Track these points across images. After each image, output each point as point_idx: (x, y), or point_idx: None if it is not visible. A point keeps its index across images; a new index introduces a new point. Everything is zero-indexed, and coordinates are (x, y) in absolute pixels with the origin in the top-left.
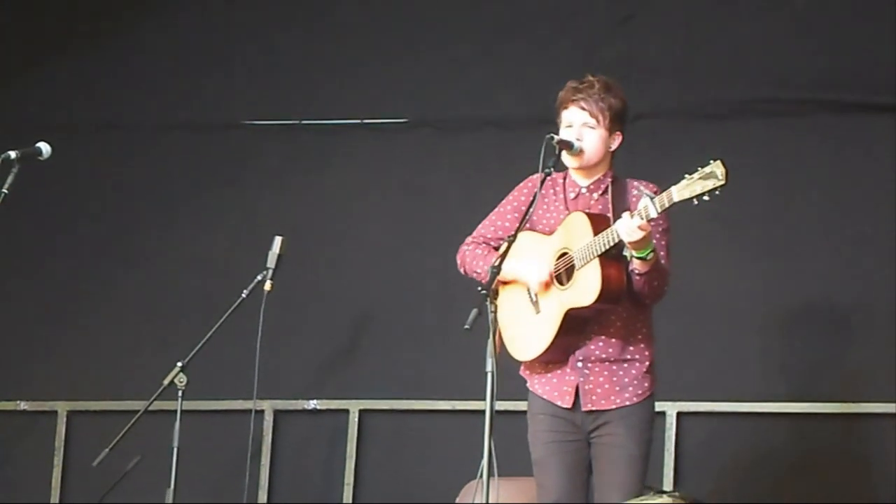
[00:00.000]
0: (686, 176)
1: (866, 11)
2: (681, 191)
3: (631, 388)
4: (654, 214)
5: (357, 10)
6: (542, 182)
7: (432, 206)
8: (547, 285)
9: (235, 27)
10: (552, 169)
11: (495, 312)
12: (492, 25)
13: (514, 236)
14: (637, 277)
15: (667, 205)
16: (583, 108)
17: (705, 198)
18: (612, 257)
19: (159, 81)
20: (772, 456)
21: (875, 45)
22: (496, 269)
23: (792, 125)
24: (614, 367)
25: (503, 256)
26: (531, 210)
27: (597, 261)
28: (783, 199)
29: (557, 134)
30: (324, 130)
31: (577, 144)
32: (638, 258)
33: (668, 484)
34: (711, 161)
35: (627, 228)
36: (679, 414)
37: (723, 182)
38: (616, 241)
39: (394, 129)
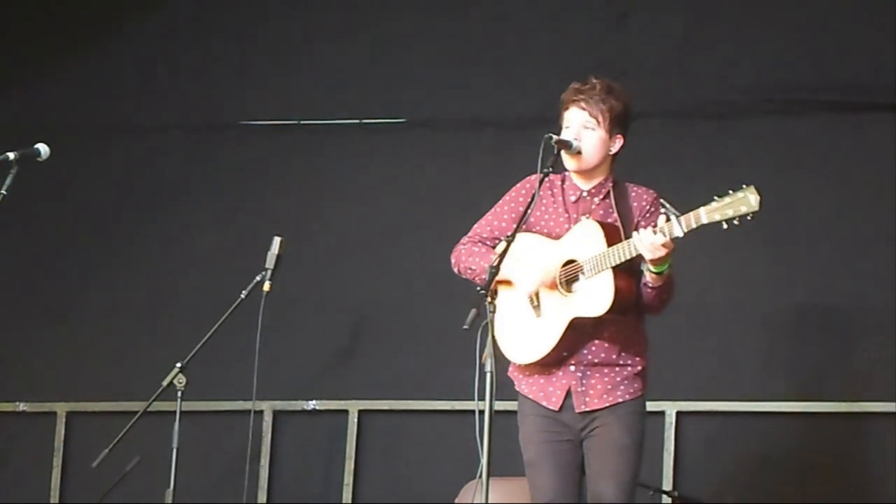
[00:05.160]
0: (716, 198)
1: (865, 11)
2: (710, 213)
3: (622, 388)
4: (678, 234)
5: (355, 10)
6: (541, 182)
7: (430, 206)
8: (551, 291)
9: (233, 28)
10: (551, 169)
11: (494, 313)
12: (489, 26)
13: (513, 236)
14: (649, 290)
15: (693, 226)
16: (582, 109)
17: (735, 222)
18: (625, 269)
19: (156, 82)
20: (772, 455)
21: (874, 45)
22: (495, 270)
23: (791, 125)
24: (606, 370)
25: (502, 256)
26: (529, 211)
27: (609, 272)
28: (783, 198)
29: (558, 134)
30: (322, 130)
31: (575, 144)
32: (655, 273)
33: (667, 484)
34: (744, 186)
35: (650, 245)
36: (679, 413)
37: (756, 209)
38: (634, 254)
39: (392, 130)
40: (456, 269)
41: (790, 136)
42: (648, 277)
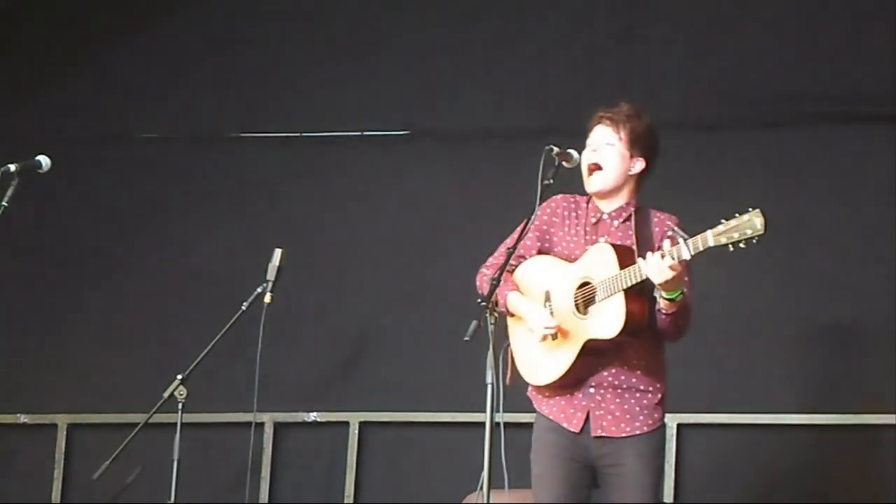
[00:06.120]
0: (723, 221)
1: (864, 23)
2: (717, 236)
3: (642, 418)
4: (686, 256)
5: (357, 22)
6: (542, 195)
7: (433, 217)
8: (567, 314)
9: (235, 39)
10: (552, 181)
11: (495, 324)
12: (493, 37)
13: (514, 248)
14: (663, 317)
15: (700, 248)
16: (606, 126)
17: (741, 245)
18: (637, 292)
19: (158, 94)
20: (773, 468)
21: (874, 57)
22: (495, 281)
23: (792, 137)
24: (626, 395)
25: (502, 269)
26: (528, 227)
27: (621, 295)
28: (787, 210)
29: (562, 147)
30: (324, 142)
31: (576, 156)
32: (667, 299)
33: (668, 497)
34: (750, 209)
35: (657, 268)
36: (680, 426)
37: (762, 232)
38: (642, 278)
39: (394, 141)
40: (481, 293)
41: (791, 148)
42: (662, 304)
